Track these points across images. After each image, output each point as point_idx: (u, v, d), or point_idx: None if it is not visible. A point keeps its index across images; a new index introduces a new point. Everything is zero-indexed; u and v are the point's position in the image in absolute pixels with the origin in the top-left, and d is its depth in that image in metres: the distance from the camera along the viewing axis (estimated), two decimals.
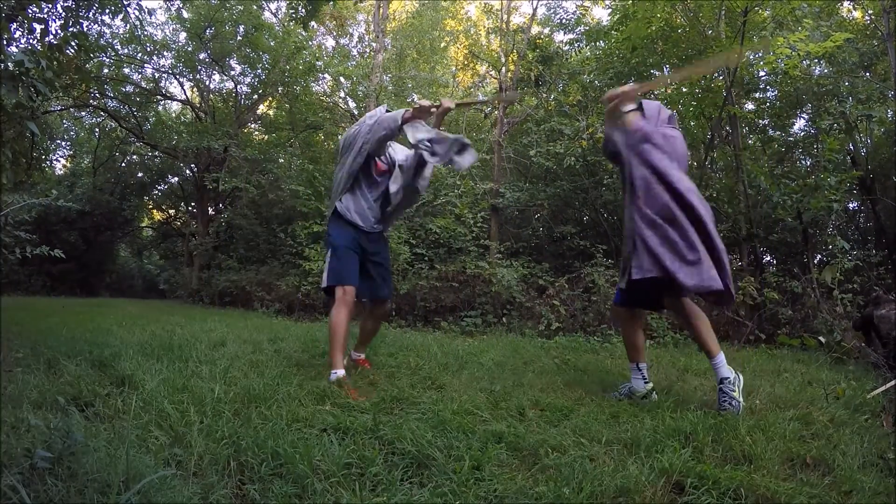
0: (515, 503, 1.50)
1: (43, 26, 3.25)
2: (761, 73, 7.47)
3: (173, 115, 14.99)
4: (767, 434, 1.97)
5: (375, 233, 3.03)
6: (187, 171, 13.82)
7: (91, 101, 12.47)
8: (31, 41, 3.57)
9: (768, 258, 7.50)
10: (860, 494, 1.57)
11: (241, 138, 11.88)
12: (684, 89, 6.81)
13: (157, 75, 13.05)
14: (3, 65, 2.75)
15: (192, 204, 14.64)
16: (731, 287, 2.41)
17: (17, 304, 7.88)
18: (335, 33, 13.55)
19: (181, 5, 10.65)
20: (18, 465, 1.42)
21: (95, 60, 10.11)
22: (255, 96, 12.74)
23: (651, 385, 2.66)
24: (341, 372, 2.67)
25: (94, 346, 3.23)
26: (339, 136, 3.26)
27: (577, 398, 2.66)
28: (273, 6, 12.01)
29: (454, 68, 13.72)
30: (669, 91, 7.71)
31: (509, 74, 8.71)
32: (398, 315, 6.55)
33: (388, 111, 2.91)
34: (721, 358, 2.42)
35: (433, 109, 2.82)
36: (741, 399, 2.33)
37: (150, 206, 17.46)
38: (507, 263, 6.74)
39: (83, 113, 13.98)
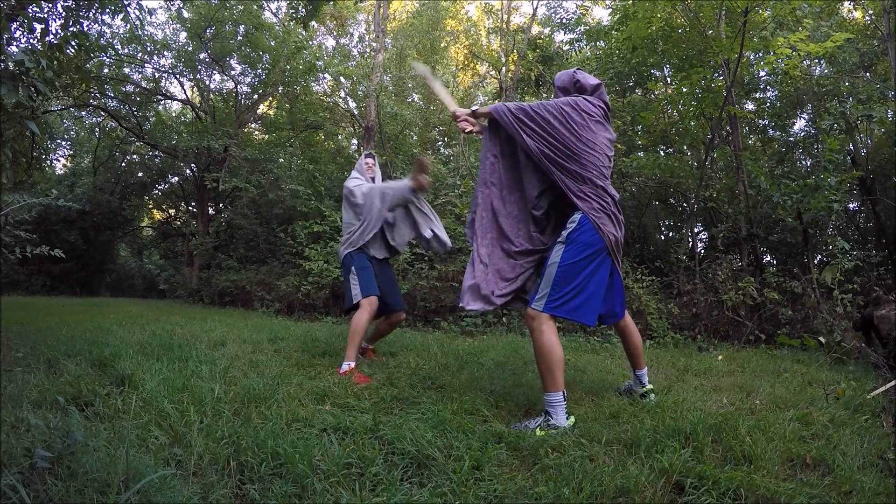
0: (515, 503, 1.50)
1: (43, 26, 3.25)
2: (761, 74, 7.47)
3: (173, 114, 14.98)
4: (767, 434, 1.97)
5: (385, 259, 3.58)
6: (187, 171, 13.79)
7: (91, 101, 12.45)
8: (31, 41, 3.57)
9: (768, 258, 7.48)
10: (860, 494, 1.57)
11: (241, 138, 11.86)
12: (684, 89, 6.81)
13: (157, 75, 13.02)
14: (3, 65, 2.74)
15: (192, 204, 14.63)
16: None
17: (17, 303, 7.89)
18: (335, 33, 13.53)
19: (181, 5, 10.64)
20: (18, 465, 1.42)
21: (95, 60, 10.08)
22: (256, 96, 12.71)
23: (646, 389, 2.68)
24: (353, 363, 3.06)
25: (94, 345, 3.23)
26: (352, 186, 3.53)
27: (577, 398, 2.66)
28: (273, 6, 11.99)
29: (454, 68, 13.71)
30: (670, 91, 7.71)
31: (509, 74, 8.70)
32: None
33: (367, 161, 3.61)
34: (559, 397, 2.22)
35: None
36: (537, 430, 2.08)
37: (151, 206, 17.44)
38: None
39: (83, 113, 13.95)
